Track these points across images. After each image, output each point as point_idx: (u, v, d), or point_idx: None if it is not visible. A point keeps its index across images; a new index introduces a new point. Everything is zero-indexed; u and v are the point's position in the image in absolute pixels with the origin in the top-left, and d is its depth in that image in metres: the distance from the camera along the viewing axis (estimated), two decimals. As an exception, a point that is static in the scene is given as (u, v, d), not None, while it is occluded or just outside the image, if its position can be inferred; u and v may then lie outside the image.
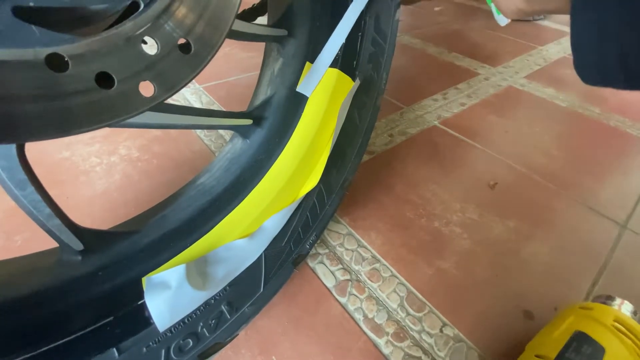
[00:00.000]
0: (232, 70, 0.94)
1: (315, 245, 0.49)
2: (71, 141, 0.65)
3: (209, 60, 0.24)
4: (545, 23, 1.58)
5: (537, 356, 0.32)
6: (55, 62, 0.18)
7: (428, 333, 0.40)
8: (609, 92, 1.00)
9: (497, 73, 1.06)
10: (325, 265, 0.47)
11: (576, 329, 0.33)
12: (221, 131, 0.71)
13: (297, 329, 0.40)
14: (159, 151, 0.65)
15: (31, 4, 0.17)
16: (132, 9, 0.21)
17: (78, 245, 0.26)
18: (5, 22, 0.16)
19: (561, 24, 1.59)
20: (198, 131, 0.71)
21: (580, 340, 0.32)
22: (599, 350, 0.30)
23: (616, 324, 0.33)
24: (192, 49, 0.23)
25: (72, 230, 0.26)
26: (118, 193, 0.56)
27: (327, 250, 0.49)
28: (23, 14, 0.17)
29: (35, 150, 0.63)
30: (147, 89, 0.22)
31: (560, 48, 1.31)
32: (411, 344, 0.39)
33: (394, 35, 0.41)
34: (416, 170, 0.65)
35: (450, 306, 0.43)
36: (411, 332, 0.40)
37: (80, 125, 0.19)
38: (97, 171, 0.60)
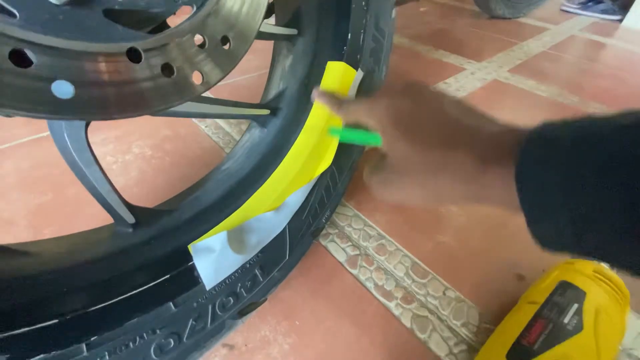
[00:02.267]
0: (233, 73, 0.98)
1: (327, 226, 0.53)
2: (85, 143, 0.68)
3: (244, 54, 0.28)
4: (525, 20, 1.67)
5: (529, 303, 0.37)
6: (133, 54, 0.22)
7: (432, 296, 0.45)
8: (586, 82, 1.08)
9: (482, 68, 1.12)
10: (336, 242, 0.51)
11: (561, 279, 0.38)
12: (228, 129, 0.75)
13: (316, 298, 0.44)
14: (170, 149, 0.69)
15: (116, 7, 0.21)
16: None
17: (131, 219, 0.30)
18: (98, 21, 0.20)
19: (540, 20, 1.68)
20: (206, 129, 0.75)
21: (564, 287, 0.37)
22: (581, 294, 0.36)
23: (595, 274, 0.38)
24: (232, 44, 0.27)
25: (126, 206, 0.30)
26: (137, 188, 0.59)
27: (336, 230, 0.53)
28: (111, 14, 0.21)
29: (49, 153, 0.66)
30: (197, 77, 0.26)
31: (539, 43, 1.39)
32: (418, 305, 0.44)
33: (391, 32, 0.46)
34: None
35: (451, 273, 0.48)
36: (417, 296, 0.45)
37: (149, 107, 0.23)
38: (113, 169, 0.63)
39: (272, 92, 0.45)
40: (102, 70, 0.21)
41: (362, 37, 0.42)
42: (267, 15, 0.51)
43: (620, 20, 1.77)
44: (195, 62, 0.25)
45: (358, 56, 0.43)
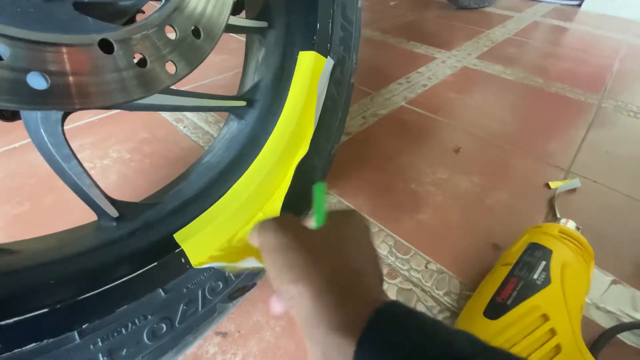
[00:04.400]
0: (207, 74, 0.98)
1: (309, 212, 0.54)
2: (60, 151, 0.67)
3: (215, 44, 0.29)
4: (490, 9, 1.73)
5: (502, 265, 0.40)
6: (106, 46, 0.23)
7: (415, 270, 0.47)
8: (549, 64, 1.14)
9: (452, 56, 1.16)
10: (321, 229, 0.53)
11: (530, 241, 0.41)
12: (207, 128, 0.75)
13: (304, 282, 0.45)
14: (149, 151, 0.69)
15: (85, 0, 0.22)
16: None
17: (114, 213, 0.31)
18: (68, 13, 0.21)
19: (504, 9, 1.75)
20: (184, 130, 0.75)
21: (533, 248, 0.40)
22: (548, 252, 0.38)
23: (561, 234, 0.41)
24: (202, 34, 0.28)
25: (109, 201, 0.30)
26: (118, 191, 0.59)
27: (321, 217, 0.54)
28: (81, 8, 0.22)
29: (23, 164, 0.64)
30: (170, 68, 0.27)
31: (504, 30, 1.45)
32: (402, 280, 0.46)
33: (359, 21, 0.48)
34: (390, 144, 0.72)
35: (432, 248, 0.50)
36: (401, 271, 0.47)
37: (124, 96, 0.24)
38: (92, 174, 0.62)
39: (248, 85, 0.46)
40: (76, 61, 0.21)
41: (330, 26, 0.44)
42: (238, 10, 0.52)
43: (579, 5, 1.86)
44: (167, 54, 0.26)
45: (328, 45, 0.44)
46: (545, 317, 0.31)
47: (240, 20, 0.41)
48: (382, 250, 0.50)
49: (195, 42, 0.28)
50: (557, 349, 0.30)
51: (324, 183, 0.27)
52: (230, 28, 0.40)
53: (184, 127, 0.75)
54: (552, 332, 0.30)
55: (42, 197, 0.58)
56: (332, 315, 0.17)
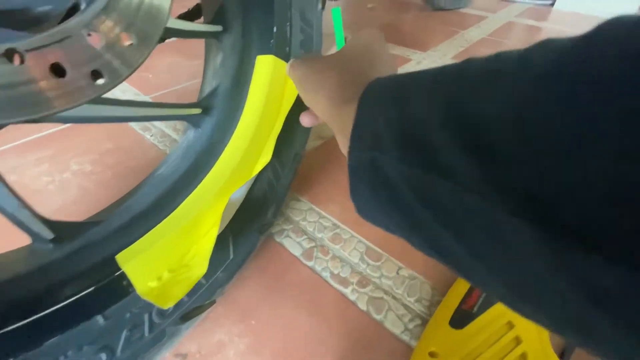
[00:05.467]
0: (179, 79, 0.95)
1: (281, 222, 0.53)
2: (17, 165, 0.63)
3: (150, 51, 0.28)
4: (465, 10, 1.75)
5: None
6: (13, 55, 0.21)
7: (387, 277, 0.46)
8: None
9: (427, 57, 1.17)
10: (291, 238, 0.51)
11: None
12: (175, 136, 0.73)
13: (272, 295, 0.44)
14: (112, 163, 0.66)
15: (-15, 6, 0.20)
16: (76, 9, 0.24)
17: (48, 234, 0.28)
18: (-37, 21, 0.19)
19: (479, 9, 1.77)
20: (151, 138, 0.72)
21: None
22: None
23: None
24: (134, 41, 0.26)
25: (41, 221, 0.28)
26: (76, 206, 0.56)
27: (291, 226, 0.53)
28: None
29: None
30: (96, 76, 0.25)
31: (479, 31, 1.46)
32: (373, 288, 0.45)
33: (320, 23, 0.47)
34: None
35: (404, 252, 0.49)
36: (372, 279, 0.46)
37: (43, 109, 0.22)
38: (50, 189, 0.59)
39: (206, 91, 0.44)
40: (-25, 72, 0.19)
41: (288, 29, 0.42)
42: (199, 16, 0.50)
43: (552, 4, 1.90)
44: (91, 61, 0.24)
45: (287, 49, 0.43)
46: (510, 325, 0.30)
47: (192, 24, 0.39)
48: (354, 257, 0.48)
49: (126, 47, 0.26)
50: (523, 357, 0.29)
51: (339, 8, 0.31)
52: (182, 33, 0.38)
53: (151, 136, 0.72)
54: (517, 340, 0.29)
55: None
56: (340, 96, 0.22)
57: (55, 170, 0.63)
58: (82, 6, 0.24)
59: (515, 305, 0.14)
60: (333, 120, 0.23)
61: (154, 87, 0.90)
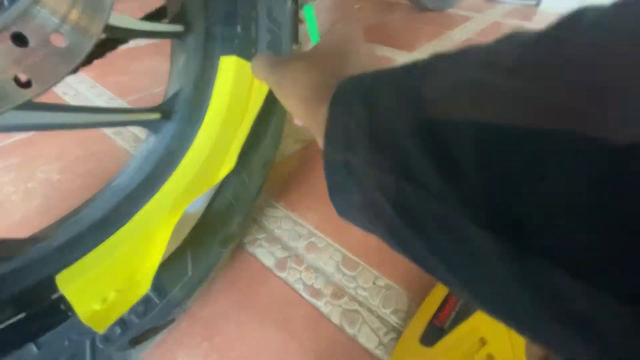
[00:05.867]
0: (156, 83, 0.92)
1: (254, 231, 0.50)
2: (-21, 174, 0.60)
3: (87, 51, 0.25)
4: (452, 11, 1.75)
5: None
6: None
7: (362, 287, 0.44)
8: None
9: (413, 58, 1.15)
10: (264, 247, 0.49)
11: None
12: (149, 142, 0.70)
13: (239, 311, 0.41)
14: (82, 171, 0.63)
15: None
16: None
17: (-22, 254, 0.26)
18: None
19: (466, 10, 1.77)
20: (124, 144, 0.69)
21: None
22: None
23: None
24: (67, 41, 0.24)
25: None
26: (39, 217, 0.53)
27: (265, 234, 0.50)
28: None
29: None
30: (22, 81, 0.23)
31: (465, 31, 1.46)
32: (348, 300, 0.43)
33: (289, 23, 0.45)
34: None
35: (381, 261, 0.47)
36: (347, 290, 0.44)
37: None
38: (13, 200, 0.56)
39: (169, 94, 0.42)
40: None
41: (254, 29, 0.40)
42: (164, 16, 0.47)
43: (537, 5, 1.91)
44: (14, 64, 0.22)
45: (252, 50, 0.41)
46: (482, 342, 0.28)
47: (150, 24, 0.37)
48: (329, 267, 0.46)
49: (58, 48, 0.24)
50: (497, 375, 0.27)
51: (312, 4, 0.29)
52: (141, 33, 0.36)
53: (124, 141, 0.70)
54: (490, 358, 0.28)
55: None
56: (314, 97, 0.21)
57: (21, 179, 0.60)
58: (5, 3, 0.22)
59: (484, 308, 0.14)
60: (310, 123, 0.22)
61: (131, 91, 0.87)
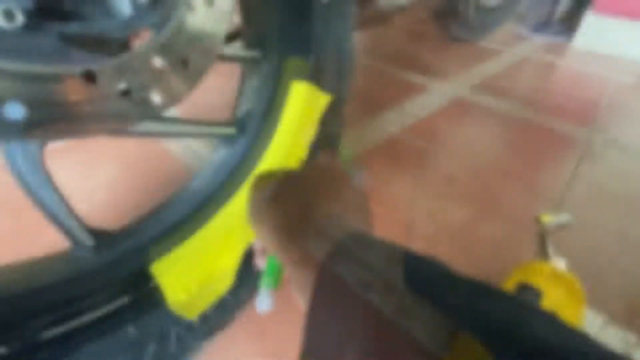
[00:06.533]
0: (206, 95, 0.99)
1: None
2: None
3: (204, 75, 0.30)
4: (483, 44, 1.80)
5: (492, 306, 0.38)
6: (88, 76, 0.23)
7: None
8: (539, 99, 1.17)
9: (444, 87, 1.19)
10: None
11: (520, 281, 0.40)
12: (198, 149, 0.75)
13: (293, 312, 0.44)
14: (139, 172, 0.68)
15: (71, 32, 0.22)
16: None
17: (90, 241, 0.30)
18: (52, 44, 0.21)
19: (497, 43, 1.82)
20: (176, 150, 0.74)
21: (524, 288, 0.39)
22: (538, 293, 0.37)
23: (552, 275, 0.40)
24: (191, 65, 0.28)
25: (85, 229, 0.29)
26: (102, 212, 0.58)
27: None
28: (67, 39, 0.21)
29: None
30: (156, 97, 0.27)
31: (497, 64, 1.50)
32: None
33: (352, 54, 0.49)
34: (382, 172, 0.72)
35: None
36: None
37: (105, 127, 0.24)
38: (78, 194, 0.61)
39: (240, 112, 0.46)
40: (56, 91, 0.21)
41: (324, 58, 0.45)
42: (234, 38, 0.53)
43: (569, 42, 1.94)
44: (154, 83, 0.26)
45: (320, 76, 0.45)
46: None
47: (233, 49, 0.42)
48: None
49: (185, 71, 0.28)
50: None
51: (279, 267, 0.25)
52: (222, 57, 0.40)
53: (176, 148, 0.75)
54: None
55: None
56: (286, 228, 0.21)
57: (85, 177, 0.65)
58: (152, 33, 0.27)
59: None
60: (281, 252, 0.21)
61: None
